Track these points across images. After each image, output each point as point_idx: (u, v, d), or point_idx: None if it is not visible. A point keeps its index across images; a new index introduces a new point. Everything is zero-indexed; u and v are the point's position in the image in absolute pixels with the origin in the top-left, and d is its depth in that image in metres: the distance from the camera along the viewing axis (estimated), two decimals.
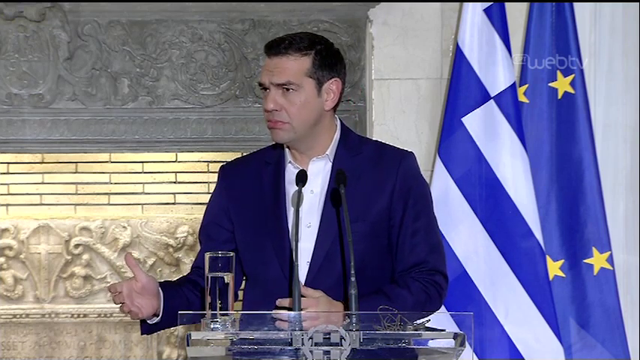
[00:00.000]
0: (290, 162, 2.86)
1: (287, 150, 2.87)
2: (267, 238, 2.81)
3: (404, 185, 2.83)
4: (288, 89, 2.78)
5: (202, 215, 2.97)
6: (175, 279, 2.97)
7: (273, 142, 2.90)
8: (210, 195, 2.98)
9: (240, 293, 2.92)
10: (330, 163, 2.84)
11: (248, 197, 2.87)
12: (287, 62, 2.78)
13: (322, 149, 2.85)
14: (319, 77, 2.80)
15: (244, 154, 3.08)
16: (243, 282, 2.92)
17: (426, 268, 2.81)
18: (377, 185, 2.82)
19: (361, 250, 2.73)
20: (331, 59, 2.83)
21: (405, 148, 2.92)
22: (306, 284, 2.76)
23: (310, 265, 2.79)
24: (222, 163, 2.99)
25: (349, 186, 2.74)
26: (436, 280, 2.81)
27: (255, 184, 2.87)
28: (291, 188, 2.83)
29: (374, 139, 3.11)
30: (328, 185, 2.82)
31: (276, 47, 2.80)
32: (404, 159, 2.87)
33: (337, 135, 2.87)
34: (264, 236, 2.81)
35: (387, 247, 2.84)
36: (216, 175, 2.97)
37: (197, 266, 2.91)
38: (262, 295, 2.79)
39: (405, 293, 2.76)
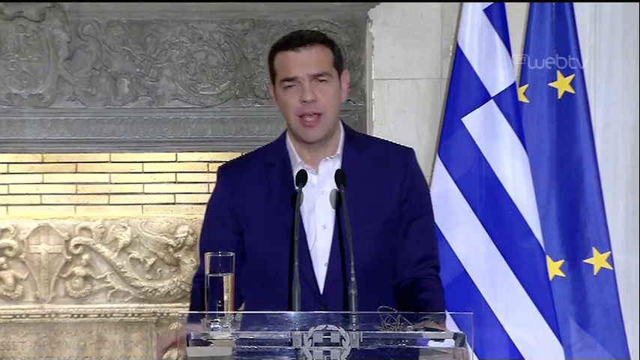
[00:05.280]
0: (300, 162, 2.84)
1: (293, 151, 2.86)
2: (284, 238, 2.78)
3: (411, 182, 2.87)
4: (321, 80, 2.76)
5: (203, 217, 2.94)
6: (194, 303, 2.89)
7: (269, 142, 2.88)
8: (210, 196, 2.96)
9: None
10: (340, 162, 2.84)
11: (255, 198, 2.85)
12: (317, 53, 2.76)
13: (333, 149, 2.85)
14: (339, 68, 2.81)
15: (243, 153, 3.06)
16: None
17: (432, 264, 2.90)
18: (386, 182, 2.83)
19: (376, 248, 2.77)
20: (340, 52, 2.85)
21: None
22: (325, 285, 2.78)
23: (328, 266, 2.80)
24: (220, 164, 2.97)
25: (359, 184, 2.75)
26: (439, 277, 2.92)
27: (260, 185, 2.85)
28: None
29: (374, 136, 3.11)
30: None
31: (299, 39, 2.76)
32: (410, 156, 2.91)
33: (342, 134, 2.87)
34: (281, 237, 2.78)
35: (397, 242, 2.86)
36: (215, 175, 2.95)
37: (200, 274, 2.81)
38: (272, 294, 2.78)
39: (437, 294, 2.86)
